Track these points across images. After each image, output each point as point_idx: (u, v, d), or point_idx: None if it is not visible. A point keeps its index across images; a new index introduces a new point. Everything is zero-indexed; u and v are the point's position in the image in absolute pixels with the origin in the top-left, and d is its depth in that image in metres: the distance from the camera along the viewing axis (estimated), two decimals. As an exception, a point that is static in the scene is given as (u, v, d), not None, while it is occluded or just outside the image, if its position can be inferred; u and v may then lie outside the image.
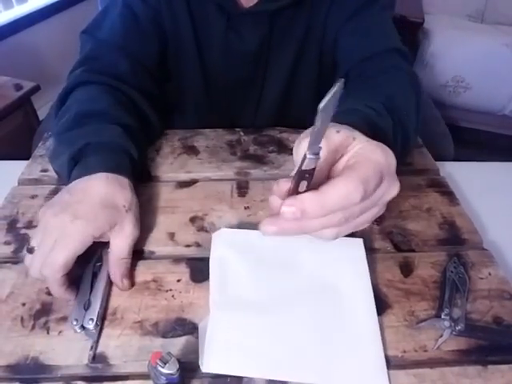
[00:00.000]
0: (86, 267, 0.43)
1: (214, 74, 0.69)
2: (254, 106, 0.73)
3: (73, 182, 0.46)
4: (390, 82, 0.57)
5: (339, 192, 0.33)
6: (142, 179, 0.57)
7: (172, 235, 0.49)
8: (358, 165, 0.34)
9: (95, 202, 0.43)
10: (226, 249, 0.45)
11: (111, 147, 0.49)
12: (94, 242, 0.42)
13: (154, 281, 0.44)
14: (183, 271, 0.45)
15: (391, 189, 0.37)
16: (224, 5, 0.61)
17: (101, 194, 0.44)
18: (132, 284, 0.44)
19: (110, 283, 0.43)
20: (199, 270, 0.45)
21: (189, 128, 0.67)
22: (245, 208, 0.53)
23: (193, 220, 0.51)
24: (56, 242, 0.40)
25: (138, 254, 0.47)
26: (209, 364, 0.36)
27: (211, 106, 0.73)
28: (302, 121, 0.68)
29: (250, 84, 0.70)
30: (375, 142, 0.37)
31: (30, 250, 0.41)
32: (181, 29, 0.65)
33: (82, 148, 0.48)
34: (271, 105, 0.73)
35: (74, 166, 0.48)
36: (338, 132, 0.36)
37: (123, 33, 0.62)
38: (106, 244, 0.44)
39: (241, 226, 0.50)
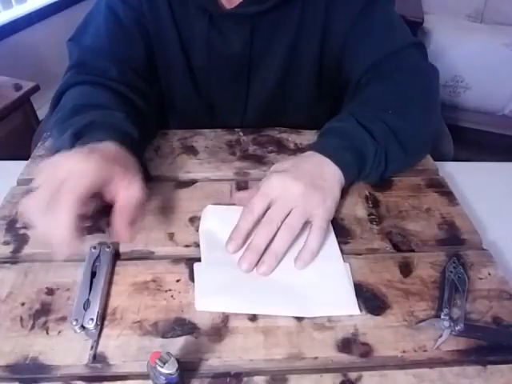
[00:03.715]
0: (83, 268, 0.43)
1: (199, 74, 0.69)
2: (241, 108, 0.72)
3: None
4: (402, 82, 0.58)
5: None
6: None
7: (171, 235, 0.49)
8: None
9: (109, 152, 0.43)
10: (214, 222, 0.49)
11: (115, 127, 0.49)
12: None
13: (154, 281, 0.44)
14: (182, 271, 0.45)
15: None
16: (205, 6, 0.61)
17: (112, 149, 0.44)
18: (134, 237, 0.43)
19: (109, 283, 0.43)
20: (198, 270, 0.45)
21: (183, 129, 0.67)
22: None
23: (192, 220, 0.51)
24: (71, 173, 0.38)
25: (136, 254, 0.47)
26: (200, 304, 0.41)
27: (202, 106, 0.73)
28: (298, 123, 0.68)
29: (235, 86, 0.69)
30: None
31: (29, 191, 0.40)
32: (164, 29, 0.64)
33: (87, 124, 0.48)
34: (260, 106, 0.71)
35: (75, 142, 0.47)
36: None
37: (108, 37, 0.62)
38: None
39: (240, 226, 0.50)
